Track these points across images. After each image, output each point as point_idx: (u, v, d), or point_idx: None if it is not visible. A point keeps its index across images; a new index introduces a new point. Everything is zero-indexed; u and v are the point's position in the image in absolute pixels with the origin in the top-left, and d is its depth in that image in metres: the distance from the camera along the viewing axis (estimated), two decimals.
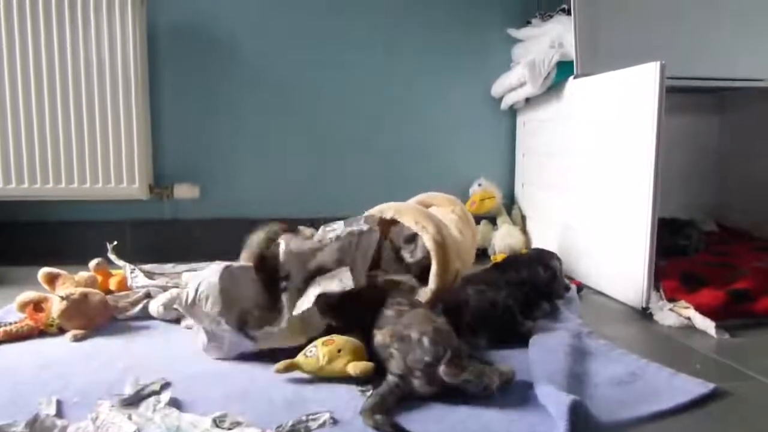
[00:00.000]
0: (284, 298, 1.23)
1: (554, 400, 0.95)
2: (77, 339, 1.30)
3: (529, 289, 1.45)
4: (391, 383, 1.02)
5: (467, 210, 1.87)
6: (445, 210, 1.77)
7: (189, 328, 1.37)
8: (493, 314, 1.30)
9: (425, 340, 1.04)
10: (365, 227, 1.34)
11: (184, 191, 2.15)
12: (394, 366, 1.04)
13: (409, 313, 1.15)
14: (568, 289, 1.60)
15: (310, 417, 0.94)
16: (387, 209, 1.57)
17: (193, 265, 1.88)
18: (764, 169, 2.34)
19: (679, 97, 2.29)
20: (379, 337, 1.12)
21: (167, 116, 2.16)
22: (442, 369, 1.00)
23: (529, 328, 1.32)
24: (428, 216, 1.55)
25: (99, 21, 1.91)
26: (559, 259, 1.58)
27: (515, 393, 1.03)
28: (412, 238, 1.57)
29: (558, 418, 0.92)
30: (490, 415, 0.97)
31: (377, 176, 2.31)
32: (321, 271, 1.28)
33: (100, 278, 1.59)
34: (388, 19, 2.29)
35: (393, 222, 1.58)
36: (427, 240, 1.48)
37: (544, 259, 1.55)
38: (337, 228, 1.34)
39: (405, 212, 1.55)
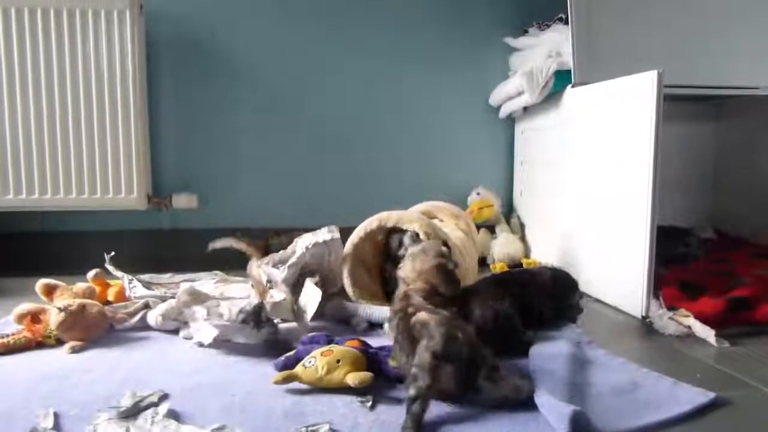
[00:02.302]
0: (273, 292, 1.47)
1: (555, 410, 0.95)
2: (75, 351, 1.30)
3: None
4: (425, 367, 0.93)
5: (471, 221, 1.86)
6: (451, 227, 1.77)
7: (187, 338, 1.37)
8: (495, 324, 1.29)
9: (475, 344, 1.00)
10: (329, 236, 1.54)
11: (182, 201, 2.15)
12: (433, 345, 0.95)
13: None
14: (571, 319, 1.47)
15: (309, 428, 0.94)
16: (388, 218, 1.57)
17: (192, 275, 1.88)
18: (762, 176, 2.34)
19: (676, 105, 2.29)
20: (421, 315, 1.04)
21: (166, 126, 2.16)
22: (482, 382, 0.99)
23: (530, 338, 1.31)
24: (431, 226, 1.55)
25: (98, 31, 1.92)
26: (568, 293, 1.46)
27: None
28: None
29: (559, 428, 0.92)
30: (489, 425, 0.96)
31: (377, 185, 2.31)
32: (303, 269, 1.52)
33: (98, 289, 1.58)
34: (386, 27, 2.30)
35: (393, 230, 1.58)
36: None
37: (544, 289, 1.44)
38: (307, 239, 1.54)
39: (408, 221, 1.55)
